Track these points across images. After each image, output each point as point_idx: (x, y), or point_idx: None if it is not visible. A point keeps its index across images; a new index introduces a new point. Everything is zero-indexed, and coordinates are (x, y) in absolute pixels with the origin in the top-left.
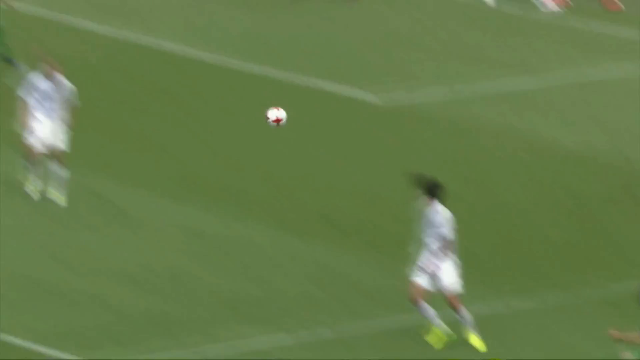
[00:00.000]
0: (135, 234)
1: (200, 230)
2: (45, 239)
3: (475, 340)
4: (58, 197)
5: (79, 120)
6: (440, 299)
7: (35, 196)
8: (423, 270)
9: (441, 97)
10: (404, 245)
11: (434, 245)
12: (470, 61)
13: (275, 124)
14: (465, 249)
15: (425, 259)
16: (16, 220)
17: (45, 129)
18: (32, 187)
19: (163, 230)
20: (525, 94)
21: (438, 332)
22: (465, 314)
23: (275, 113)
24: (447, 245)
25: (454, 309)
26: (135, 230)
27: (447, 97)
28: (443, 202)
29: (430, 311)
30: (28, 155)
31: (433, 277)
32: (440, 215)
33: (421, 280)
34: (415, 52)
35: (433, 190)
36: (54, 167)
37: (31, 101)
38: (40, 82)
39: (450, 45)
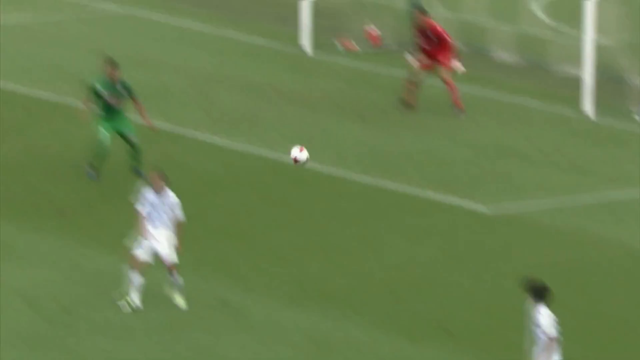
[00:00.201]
0: (253, 338)
1: (316, 334)
2: (170, 340)
3: None
4: (180, 301)
5: (200, 226)
6: None
7: (125, 309)
8: None
9: (545, 206)
10: (516, 350)
11: (541, 343)
12: (572, 172)
13: (293, 162)
14: (565, 354)
15: (535, 356)
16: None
17: (156, 239)
18: (127, 299)
19: (280, 334)
20: (627, 204)
21: None
22: None
23: (296, 152)
24: (551, 343)
25: None
26: (253, 334)
27: (550, 206)
28: (548, 305)
29: None
30: (133, 265)
31: None
32: (545, 316)
33: None
34: (520, 163)
35: (540, 294)
36: (171, 276)
37: (145, 213)
38: (150, 194)
39: (553, 156)
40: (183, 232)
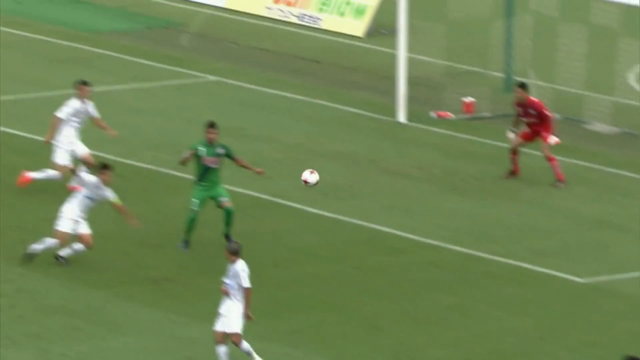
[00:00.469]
0: None
1: None
2: None
3: None
4: None
5: (293, 295)
6: None
7: None
8: None
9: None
10: None
11: None
12: None
13: (304, 184)
14: None
15: None
16: None
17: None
18: None
19: None
20: None
21: None
22: None
23: (307, 175)
24: None
25: None
26: None
27: None
28: None
29: None
30: (217, 341)
31: None
32: None
33: None
34: (616, 234)
35: None
36: (239, 347)
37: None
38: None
39: None
40: (249, 299)
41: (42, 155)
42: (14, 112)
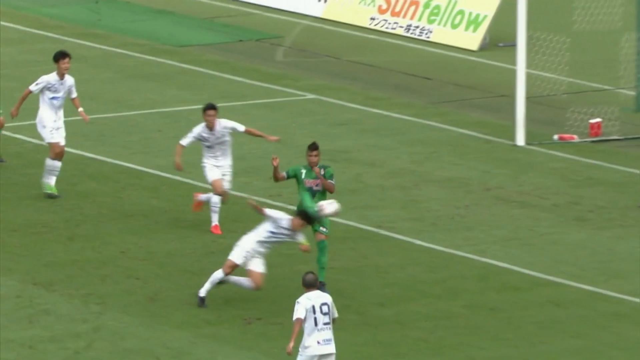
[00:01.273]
0: None
1: None
2: None
3: None
4: None
5: (399, 334)
6: None
7: None
8: None
9: None
10: None
11: None
12: None
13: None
14: None
15: None
16: None
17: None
18: None
19: None
20: None
21: None
22: None
23: (325, 204)
24: None
25: None
26: None
27: None
28: None
29: None
30: None
31: None
32: None
33: None
34: None
35: None
36: None
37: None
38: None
39: None
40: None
41: (120, 180)
42: (89, 133)
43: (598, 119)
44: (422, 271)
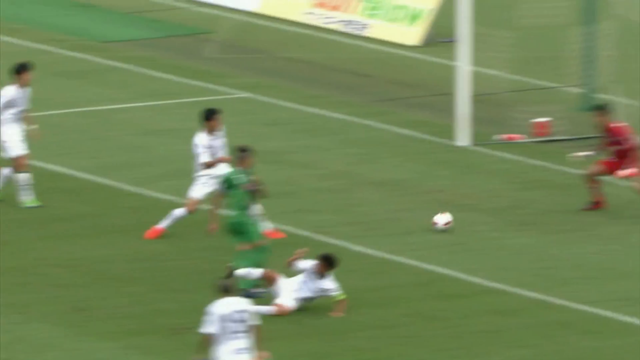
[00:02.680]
0: None
1: None
2: None
3: None
4: None
5: (339, 345)
6: None
7: None
8: None
9: None
10: None
11: None
12: None
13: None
14: None
15: None
16: None
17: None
18: None
19: None
20: None
21: None
22: None
23: (442, 217)
24: None
25: None
26: None
27: None
28: None
29: None
30: None
31: None
32: None
33: None
34: None
35: None
36: None
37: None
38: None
39: None
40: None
41: (40, 183)
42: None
43: (544, 118)
44: (359, 278)
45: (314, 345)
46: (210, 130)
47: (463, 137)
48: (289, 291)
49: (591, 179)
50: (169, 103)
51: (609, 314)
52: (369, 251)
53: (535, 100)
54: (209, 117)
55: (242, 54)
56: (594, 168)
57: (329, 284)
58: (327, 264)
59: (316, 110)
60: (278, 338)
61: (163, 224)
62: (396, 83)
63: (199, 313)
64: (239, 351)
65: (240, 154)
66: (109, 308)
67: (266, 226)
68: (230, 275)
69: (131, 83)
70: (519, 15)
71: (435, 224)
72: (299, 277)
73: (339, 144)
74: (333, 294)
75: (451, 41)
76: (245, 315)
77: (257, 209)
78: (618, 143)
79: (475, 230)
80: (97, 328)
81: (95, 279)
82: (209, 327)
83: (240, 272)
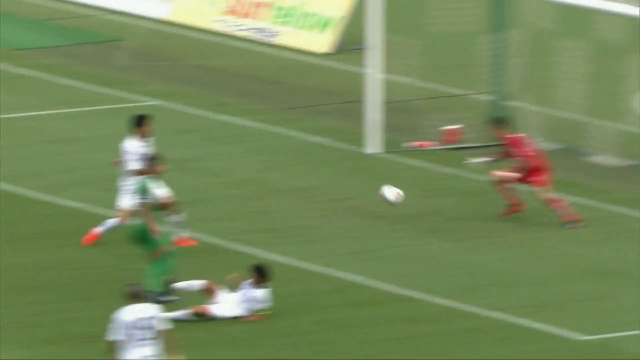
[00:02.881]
0: None
1: None
2: None
3: None
4: None
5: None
6: None
7: None
8: None
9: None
10: None
11: None
12: None
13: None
14: None
15: None
16: None
17: None
18: None
19: None
20: None
21: None
22: None
23: (387, 190)
24: None
25: None
26: None
27: None
28: None
29: None
30: None
31: None
32: None
33: None
34: (620, 283)
35: None
36: None
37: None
38: None
39: None
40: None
41: None
42: None
43: (454, 126)
44: (271, 285)
45: (226, 352)
46: (142, 137)
47: (373, 144)
48: (228, 304)
49: (499, 184)
50: (80, 111)
51: (521, 320)
52: (280, 259)
53: (446, 108)
54: (141, 123)
55: (152, 61)
56: (498, 174)
57: (262, 296)
58: (259, 274)
59: (227, 118)
60: (190, 346)
61: (99, 229)
62: (307, 90)
63: (109, 321)
64: (145, 358)
65: (149, 162)
66: (19, 316)
67: (181, 234)
68: (167, 288)
69: (42, 91)
70: (429, 22)
71: (385, 198)
72: (239, 293)
73: (250, 152)
74: (260, 306)
75: (362, 48)
76: (153, 322)
77: (174, 217)
78: (515, 155)
79: (386, 238)
80: (6, 337)
81: (5, 287)
82: (115, 334)
83: (181, 284)
